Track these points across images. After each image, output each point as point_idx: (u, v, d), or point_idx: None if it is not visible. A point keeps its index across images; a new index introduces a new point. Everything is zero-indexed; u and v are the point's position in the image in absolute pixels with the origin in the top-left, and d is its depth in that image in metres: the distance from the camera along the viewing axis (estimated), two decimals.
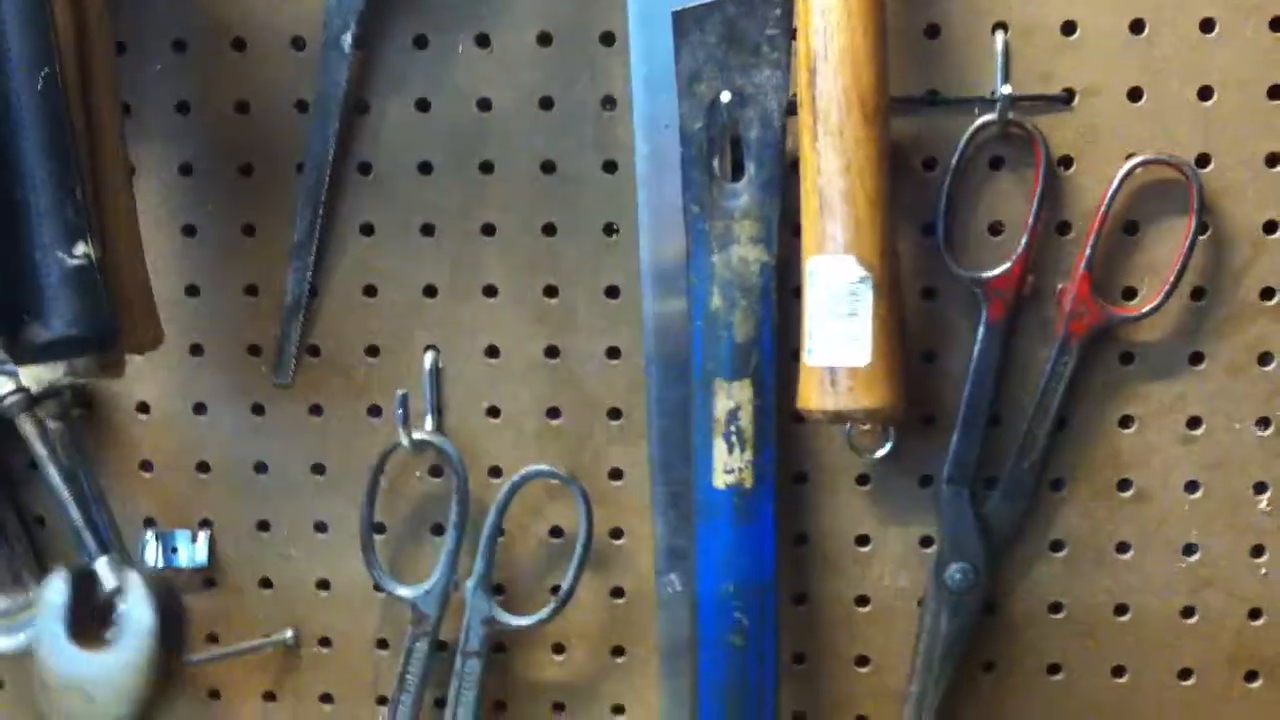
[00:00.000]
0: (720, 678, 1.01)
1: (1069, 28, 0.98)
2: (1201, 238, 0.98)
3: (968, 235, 1.01)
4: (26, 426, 1.06)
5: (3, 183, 0.85)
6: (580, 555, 1.06)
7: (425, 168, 1.06)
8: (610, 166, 1.04)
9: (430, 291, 1.07)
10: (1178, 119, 0.98)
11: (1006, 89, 0.97)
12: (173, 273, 1.08)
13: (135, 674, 1.01)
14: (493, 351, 1.07)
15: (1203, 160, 0.98)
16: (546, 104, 1.03)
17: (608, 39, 1.02)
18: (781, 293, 0.97)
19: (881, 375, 0.93)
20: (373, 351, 1.08)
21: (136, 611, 1.01)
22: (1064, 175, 0.99)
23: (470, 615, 1.07)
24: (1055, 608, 1.05)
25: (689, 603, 1.04)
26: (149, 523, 1.13)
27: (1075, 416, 1.02)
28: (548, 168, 1.04)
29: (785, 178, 0.96)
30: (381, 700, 1.13)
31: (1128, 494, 1.03)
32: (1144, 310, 0.98)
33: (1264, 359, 1.00)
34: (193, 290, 1.09)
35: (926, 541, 1.05)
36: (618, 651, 1.11)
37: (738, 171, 0.97)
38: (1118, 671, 1.06)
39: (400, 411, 1.06)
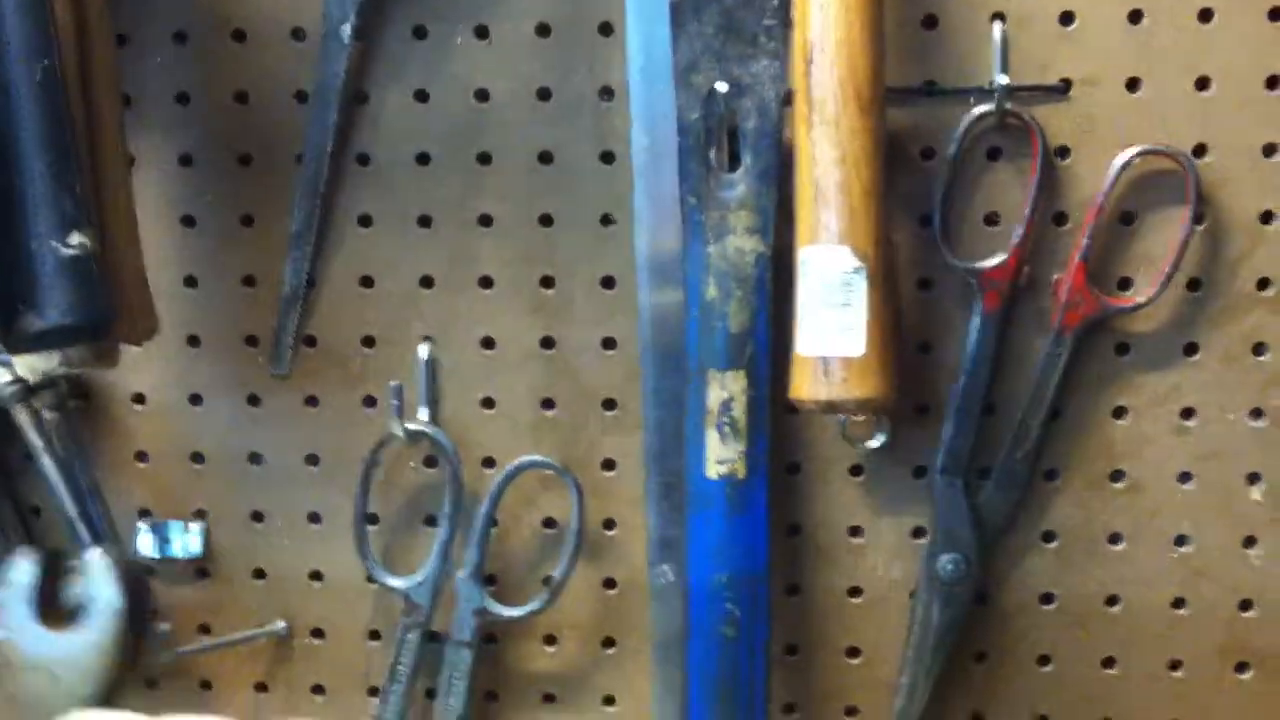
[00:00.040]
0: (712, 668, 1.01)
1: (1067, 18, 0.98)
2: (1198, 228, 0.98)
3: (964, 226, 1.01)
4: (22, 417, 1.06)
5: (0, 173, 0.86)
6: (573, 546, 1.06)
7: (423, 158, 1.06)
8: (608, 157, 1.04)
9: (427, 282, 1.07)
10: (1175, 109, 0.98)
11: (1004, 79, 0.97)
12: (171, 263, 1.09)
13: (101, 655, 1.01)
14: (488, 342, 1.08)
15: (1200, 151, 0.98)
16: (544, 95, 1.04)
17: (606, 30, 1.02)
18: (777, 283, 0.97)
19: (875, 365, 0.93)
20: (369, 342, 1.09)
21: (103, 593, 1.01)
22: (1061, 166, 0.99)
23: (462, 606, 1.07)
24: (1047, 598, 1.05)
25: (681, 593, 1.03)
26: (144, 513, 1.13)
27: (1069, 407, 1.02)
28: (545, 158, 1.05)
29: (782, 168, 0.96)
30: (373, 691, 1.12)
31: (1120, 484, 1.03)
32: (1139, 301, 0.98)
33: (1259, 349, 1.00)
34: (191, 281, 1.10)
35: (919, 532, 1.05)
36: (609, 642, 1.11)
37: (734, 162, 0.97)
38: (1109, 662, 1.05)
39: (395, 402, 1.06)
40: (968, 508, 1.02)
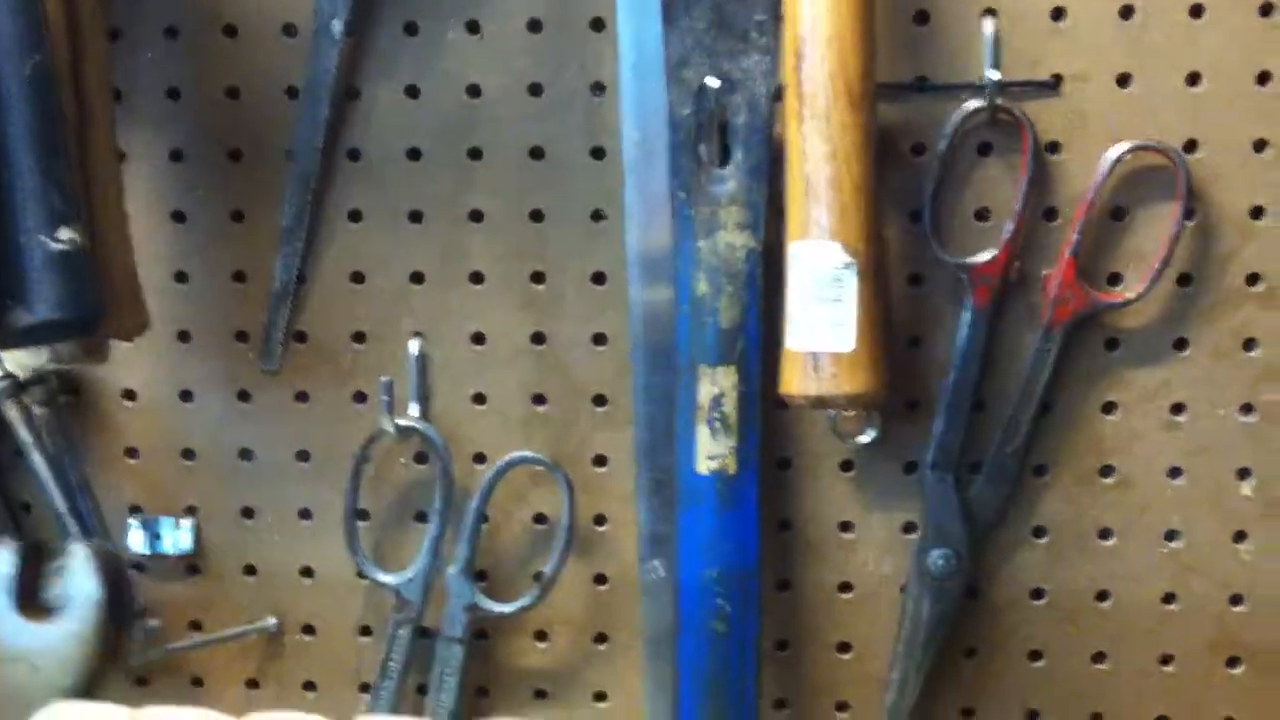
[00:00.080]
0: (703, 664, 1.01)
1: (1058, 13, 0.98)
2: (1188, 224, 0.98)
3: (955, 221, 1.01)
4: (12, 413, 1.06)
5: None
6: (564, 542, 1.06)
7: (414, 154, 1.06)
8: (598, 153, 1.04)
9: (417, 277, 1.07)
10: (1166, 105, 0.98)
11: (995, 75, 0.97)
12: (161, 258, 1.08)
13: (81, 645, 1.00)
14: (479, 338, 1.07)
15: (1190, 146, 0.98)
16: (536, 90, 1.04)
17: (597, 25, 1.02)
18: (768, 279, 0.97)
19: (865, 361, 0.93)
20: (359, 337, 1.08)
21: (83, 584, 1.01)
22: (1052, 161, 0.99)
23: (453, 602, 1.07)
24: (1037, 593, 1.05)
25: (672, 589, 1.03)
26: (134, 510, 1.13)
27: (1059, 402, 1.02)
28: (536, 154, 1.05)
29: (773, 164, 0.96)
30: (364, 687, 1.12)
31: (1110, 480, 1.03)
32: (1130, 296, 0.98)
33: (1249, 345, 1.00)
34: (181, 276, 1.09)
35: (910, 527, 1.05)
36: (600, 638, 1.10)
37: (725, 157, 0.97)
38: (1099, 657, 1.06)
39: (385, 398, 1.06)
40: (958, 503, 1.02)
